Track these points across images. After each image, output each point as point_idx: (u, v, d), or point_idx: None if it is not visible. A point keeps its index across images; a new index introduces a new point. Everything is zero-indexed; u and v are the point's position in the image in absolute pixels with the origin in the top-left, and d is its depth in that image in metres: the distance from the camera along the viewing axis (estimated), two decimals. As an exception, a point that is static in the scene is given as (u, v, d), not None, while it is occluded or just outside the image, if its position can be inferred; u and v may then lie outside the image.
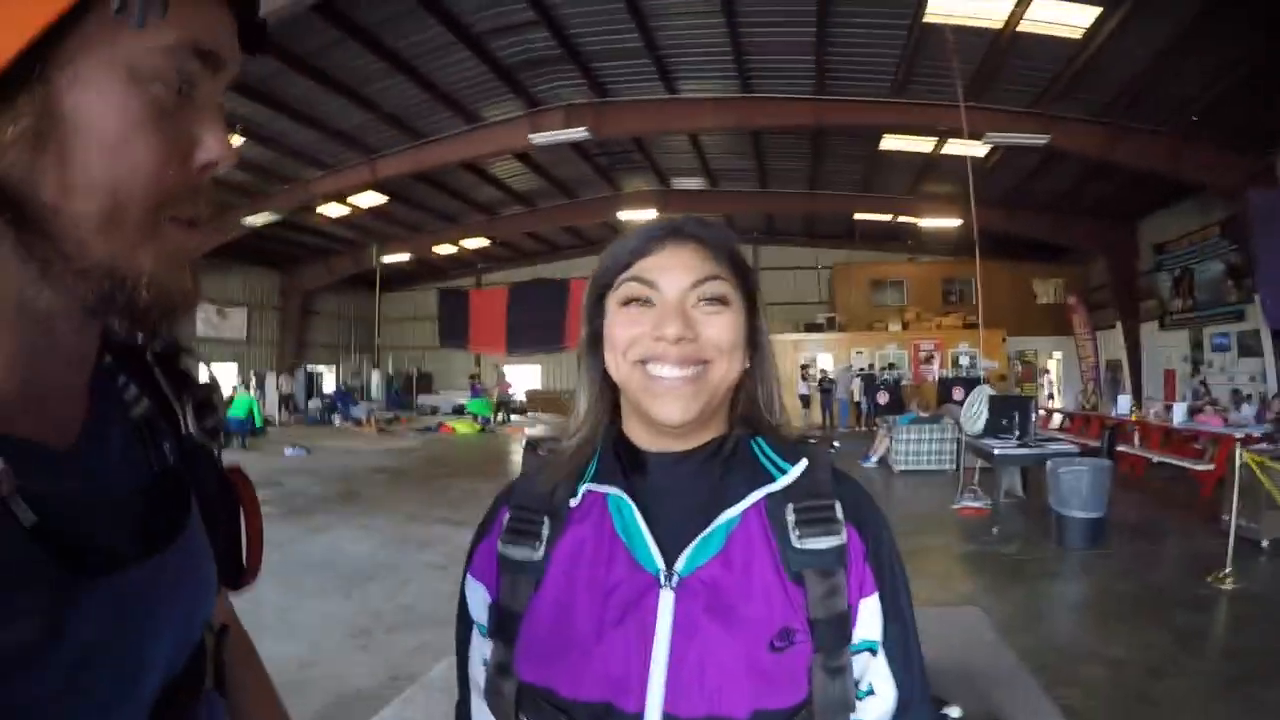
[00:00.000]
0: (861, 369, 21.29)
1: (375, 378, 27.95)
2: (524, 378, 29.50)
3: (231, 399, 17.32)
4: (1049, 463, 7.48)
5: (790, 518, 0.85)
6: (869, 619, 0.86)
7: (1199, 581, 5.89)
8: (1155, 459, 10.73)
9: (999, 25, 10.48)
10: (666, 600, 0.82)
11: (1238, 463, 6.25)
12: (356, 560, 6.94)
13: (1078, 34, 10.39)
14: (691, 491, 0.88)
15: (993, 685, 4.23)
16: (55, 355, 0.56)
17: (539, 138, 14.85)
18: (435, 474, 12.67)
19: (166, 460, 0.66)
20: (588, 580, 0.85)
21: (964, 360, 19.84)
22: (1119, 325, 19.46)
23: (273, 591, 5.82)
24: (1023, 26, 10.37)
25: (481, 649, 0.93)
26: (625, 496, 0.87)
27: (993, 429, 8.90)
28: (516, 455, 16.15)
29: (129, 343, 0.68)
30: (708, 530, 0.84)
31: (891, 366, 21.20)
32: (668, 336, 0.83)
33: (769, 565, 0.84)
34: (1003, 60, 11.54)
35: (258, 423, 16.98)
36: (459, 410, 24.35)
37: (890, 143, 15.33)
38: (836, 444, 0.96)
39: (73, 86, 0.48)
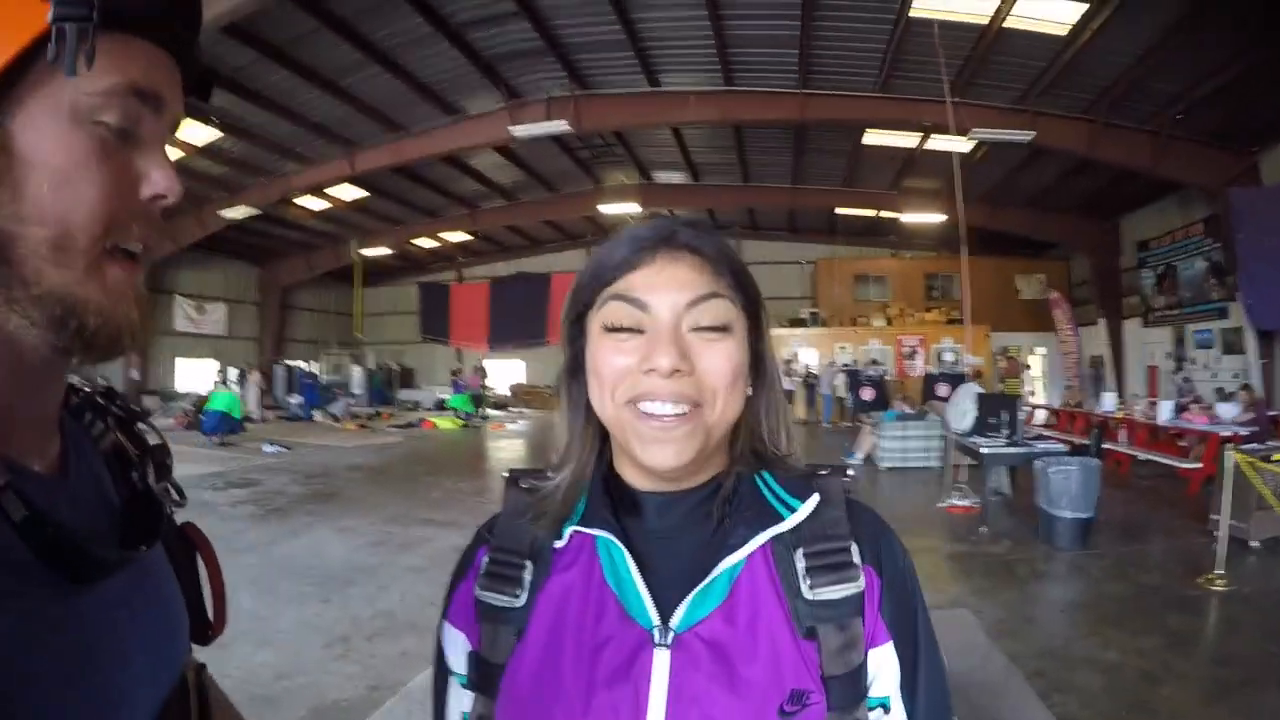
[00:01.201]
0: (845, 365, 21.28)
1: (356, 373, 27.69)
2: (508, 372, 29.39)
3: (209, 396, 17.08)
4: (1038, 462, 7.44)
5: (800, 565, 0.75)
6: (882, 672, 0.76)
7: (1189, 583, 5.87)
8: (1140, 456, 10.75)
9: (985, 20, 10.43)
10: (661, 661, 0.72)
11: (1229, 464, 6.21)
12: (335, 564, 6.78)
13: (1063, 30, 10.38)
14: (689, 536, 0.78)
15: (986, 692, 4.17)
16: (28, 383, 0.59)
17: (520, 130, 14.69)
18: (417, 472, 12.51)
19: (136, 487, 0.71)
20: (575, 633, 0.75)
21: (948, 356, 19.90)
22: (1102, 321, 19.55)
23: (249, 598, 5.69)
24: (1009, 22, 10.34)
25: (460, 700, 0.83)
26: (616, 540, 0.76)
27: (981, 427, 8.86)
28: (499, 452, 16.06)
29: (91, 399, 0.74)
30: (707, 580, 0.74)
31: (875, 363, 21.20)
32: (660, 369, 0.72)
33: (778, 619, 0.74)
34: (988, 56, 11.51)
35: (236, 415, 16.65)
36: (440, 405, 24.20)
37: (874, 138, 15.28)
38: (851, 472, 0.84)
39: (24, 127, 0.52)
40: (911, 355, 21.94)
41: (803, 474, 0.82)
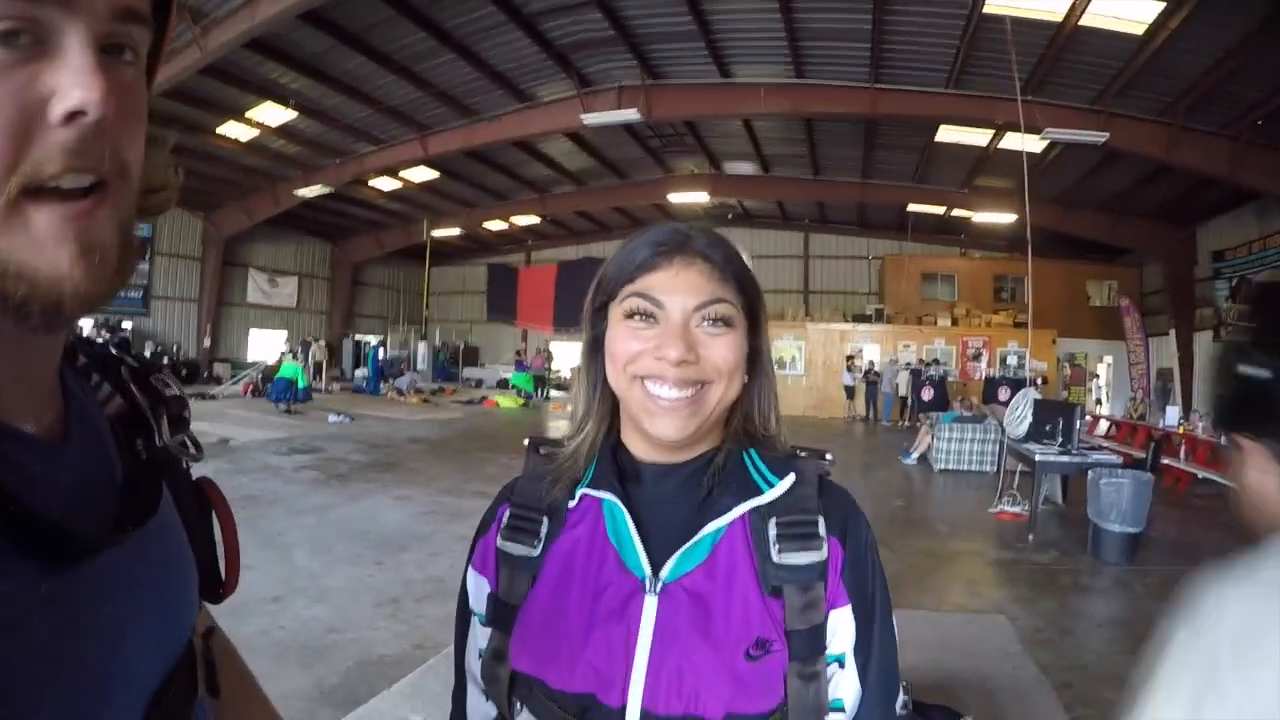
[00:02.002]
0: (908, 363, 21.02)
1: (422, 349, 28.31)
2: (571, 354, 29.67)
3: (279, 364, 17.71)
4: (1090, 473, 7.32)
5: (772, 532, 0.87)
6: (839, 631, 0.88)
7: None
8: (1200, 475, 10.44)
9: (1059, 17, 10.23)
10: (650, 605, 0.85)
11: None
12: (391, 529, 7.06)
13: (1140, 29, 10.10)
14: (682, 502, 0.91)
15: (1011, 698, 4.21)
16: (14, 347, 0.52)
17: (591, 118, 14.85)
18: (474, 447, 12.79)
19: (141, 456, 0.65)
20: (580, 580, 0.89)
21: (1012, 360, 19.51)
22: (1172, 333, 18.88)
23: (306, 557, 5.99)
24: (1084, 20, 10.11)
25: (478, 638, 0.97)
26: (619, 503, 0.90)
27: (1036, 433, 8.73)
28: (557, 432, 16.26)
29: (102, 353, 0.69)
30: (693, 540, 0.87)
31: (936, 362, 20.87)
32: (669, 359, 0.85)
33: (749, 578, 0.86)
34: (1063, 54, 11.26)
35: (301, 384, 17.23)
36: (503, 384, 24.62)
37: (946, 134, 15.06)
38: (829, 456, 0.97)
39: None
40: (976, 357, 21.53)
41: (785, 455, 0.95)
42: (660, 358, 0.85)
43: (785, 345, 22.76)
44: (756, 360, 0.94)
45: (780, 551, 0.86)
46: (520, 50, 13.36)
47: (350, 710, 3.58)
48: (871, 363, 21.64)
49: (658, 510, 0.91)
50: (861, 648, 0.89)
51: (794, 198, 22.59)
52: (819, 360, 22.69)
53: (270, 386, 17.17)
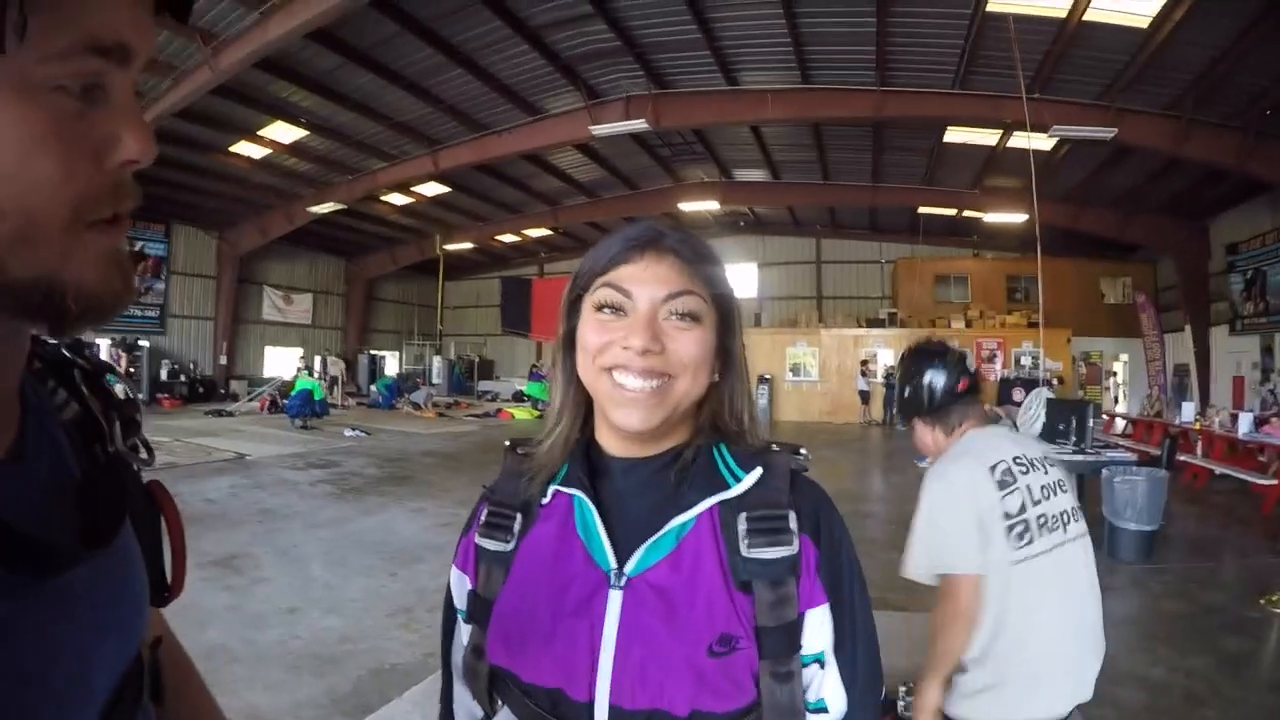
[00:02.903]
0: (923, 366, 20.89)
1: (437, 363, 28.43)
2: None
3: (295, 381, 17.84)
4: (1104, 471, 7.26)
5: (741, 527, 0.87)
6: (817, 630, 0.87)
7: (1251, 604, 5.66)
8: (1218, 470, 10.32)
9: (1063, 14, 10.22)
10: (615, 599, 0.86)
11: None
12: (405, 541, 7.09)
13: (1144, 22, 10.07)
14: (650, 496, 0.91)
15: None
16: None
17: (599, 129, 14.93)
18: (489, 460, 12.79)
19: (99, 461, 0.65)
20: (548, 574, 0.90)
21: (1026, 360, 19.35)
22: (1188, 328, 18.68)
23: (321, 569, 6.04)
24: (1088, 15, 10.09)
25: (462, 636, 0.99)
26: (587, 499, 0.91)
27: (1049, 433, 8.65)
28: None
29: (55, 355, 0.68)
30: (658, 534, 0.87)
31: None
32: (633, 348, 0.86)
33: (716, 572, 0.86)
34: (1068, 50, 11.23)
35: (318, 397, 17.34)
36: (519, 396, 24.67)
37: (954, 135, 15.04)
38: (804, 452, 0.96)
39: None
40: (991, 358, 21.39)
41: (756, 450, 0.94)
42: (626, 347, 0.86)
43: (799, 352, 22.76)
44: (728, 359, 0.95)
45: (750, 546, 0.86)
46: (527, 63, 13.47)
47: (362, 718, 3.61)
48: (891, 367, 21.57)
49: (626, 505, 0.92)
50: (841, 648, 0.89)
51: (805, 203, 22.57)
52: (833, 366, 22.63)
53: (287, 402, 17.30)
